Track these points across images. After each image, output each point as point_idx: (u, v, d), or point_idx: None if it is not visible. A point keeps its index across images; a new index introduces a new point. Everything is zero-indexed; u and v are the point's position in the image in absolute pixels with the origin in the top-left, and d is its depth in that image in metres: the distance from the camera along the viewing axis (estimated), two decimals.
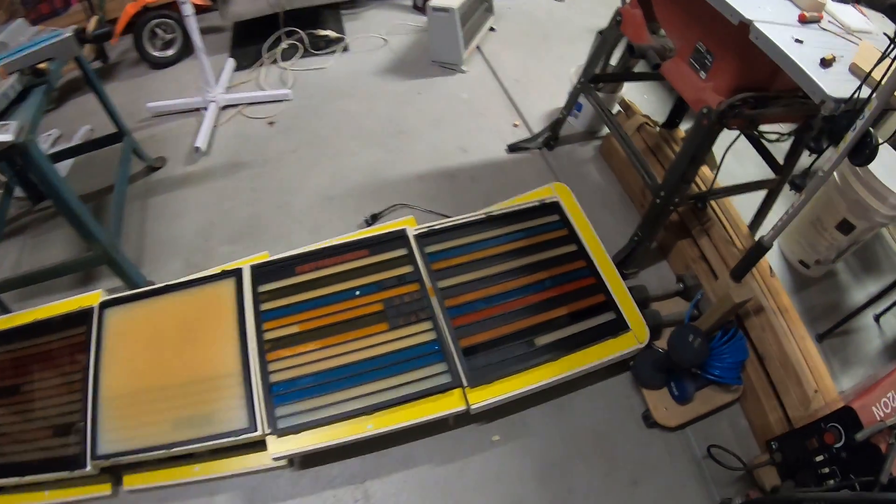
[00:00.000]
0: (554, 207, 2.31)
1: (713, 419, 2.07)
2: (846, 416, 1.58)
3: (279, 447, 1.74)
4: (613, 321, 2.00)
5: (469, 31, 3.55)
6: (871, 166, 1.98)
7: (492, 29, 3.88)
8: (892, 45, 1.31)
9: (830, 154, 1.47)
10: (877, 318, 2.47)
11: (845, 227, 2.28)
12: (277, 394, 1.82)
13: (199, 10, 3.66)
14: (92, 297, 2.07)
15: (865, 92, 1.35)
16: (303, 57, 3.60)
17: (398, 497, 1.85)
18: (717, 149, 2.04)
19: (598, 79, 2.59)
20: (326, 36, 3.65)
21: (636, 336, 1.97)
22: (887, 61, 1.31)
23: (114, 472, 1.85)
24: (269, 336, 1.94)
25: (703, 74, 1.83)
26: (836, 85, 1.38)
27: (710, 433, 2.04)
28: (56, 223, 2.65)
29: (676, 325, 1.91)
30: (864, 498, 1.39)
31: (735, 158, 1.92)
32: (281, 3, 3.55)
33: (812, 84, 1.38)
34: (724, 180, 2.21)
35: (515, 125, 3.16)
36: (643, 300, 2.14)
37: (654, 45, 1.97)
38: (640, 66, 2.72)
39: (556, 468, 1.92)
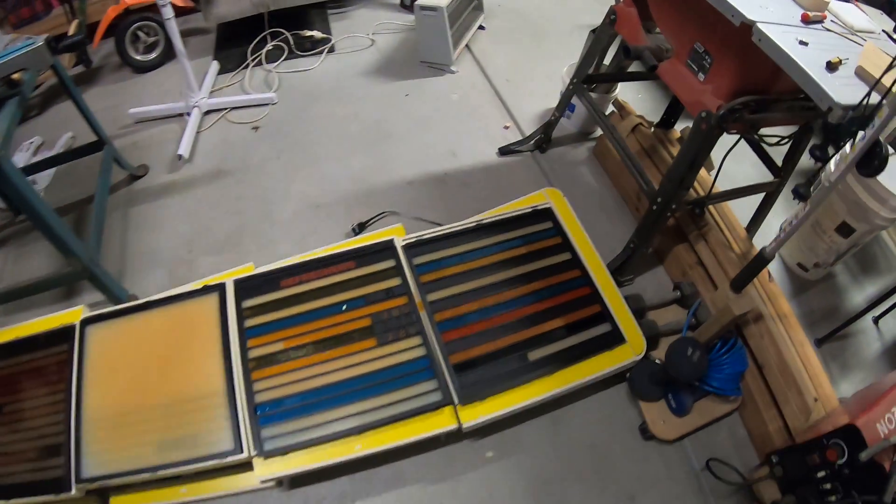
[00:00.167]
0: (547, 214, 2.25)
1: (711, 429, 2.02)
2: (849, 434, 1.54)
3: (266, 469, 1.70)
4: (609, 333, 1.95)
5: (458, 31, 3.47)
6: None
7: (481, 27, 3.80)
8: None
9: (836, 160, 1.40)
10: (876, 321, 2.43)
11: (845, 229, 2.23)
12: (263, 414, 1.77)
13: (182, 11, 3.60)
14: (73, 314, 2.02)
15: (872, 97, 1.29)
16: (288, 58, 3.51)
17: None
18: (716, 150, 1.98)
19: (591, 79, 2.53)
20: (312, 37, 3.57)
21: (632, 348, 1.92)
22: None
23: (101, 494, 1.80)
24: (253, 354, 1.89)
25: (701, 76, 1.76)
26: (843, 90, 1.32)
27: (709, 444, 2.00)
28: (39, 234, 2.55)
29: (674, 341, 1.85)
30: None
31: (732, 159, 1.86)
32: (266, 3, 3.46)
33: (819, 90, 1.32)
34: (721, 182, 2.15)
35: (506, 127, 3.09)
36: (639, 310, 2.08)
37: (650, 45, 1.91)
38: (634, 66, 2.65)
39: (552, 484, 1.87)
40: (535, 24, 3.95)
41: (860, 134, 1.34)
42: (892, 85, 1.24)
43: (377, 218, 2.57)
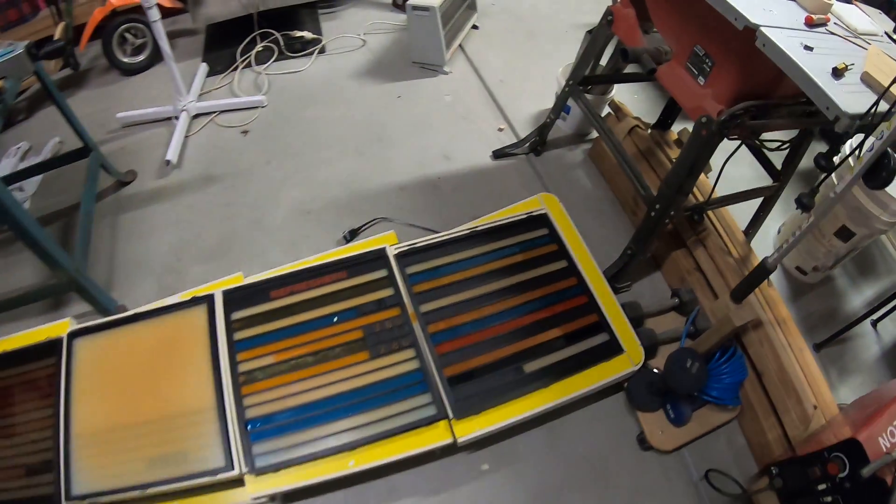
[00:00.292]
0: (542, 220, 2.21)
1: (710, 437, 1.99)
2: (851, 448, 1.51)
3: (258, 487, 1.66)
4: (606, 343, 1.92)
5: (451, 30, 3.41)
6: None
7: (475, 27, 3.74)
8: None
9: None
10: (874, 324, 2.41)
11: (844, 234, 2.20)
12: (254, 430, 1.73)
13: (170, 12, 3.54)
14: (60, 327, 1.97)
15: (880, 105, 1.26)
16: (278, 60, 3.45)
17: None
18: (715, 153, 1.95)
19: (587, 81, 2.48)
20: (302, 37, 3.50)
21: (630, 358, 1.88)
22: None
23: None
24: (243, 368, 1.85)
25: (701, 80, 1.72)
26: (850, 98, 1.28)
27: (707, 452, 1.98)
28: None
29: (673, 352, 1.82)
30: None
31: (728, 159, 1.81)
32: (255, 3, 3.40)
33: (826, 99, 1.28)
34: (718, 184, 2.09)
35: (501, 129, 3.04)
36: (637, 318, 2.04)
37: (649, 47, 1.86)
38: (631, 67, 2.61)
39: (549, 497, 1.84)
40: (529, 24, 3.89)
41: (867, 144, 1.30)
42: None
43: (369, 224, 2.53)
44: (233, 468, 1.65)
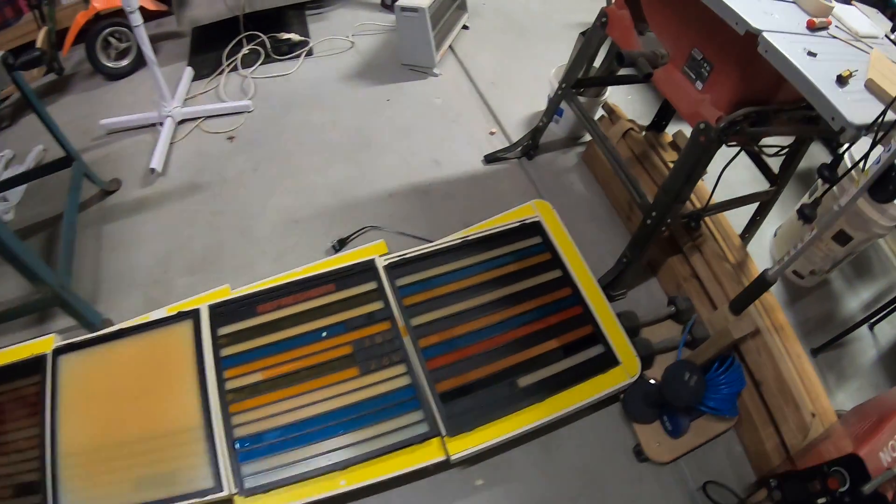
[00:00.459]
0: (535, 228, 2.16)
1: (707, 447, 1.97)
2: (852, 463, 1.48)
3: None
4: (602, 355, 1.88)
5: (441, 31, 3.36)
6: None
7: (465, 27, 3.68)
8: None
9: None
10: (871, 327, 2.39)
11: (842, 238, 2.17)
12: (243, 449, 1.69)
13: (154, 15, 3.48)
14: (45, 343, 1.92)
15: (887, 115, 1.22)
16: (265, 63, 3.38)
17: None
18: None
19: (580, 84, 2.43)
20: (289, 39, 3.43)
21: (626, 370, 1.85)
22: None
23: None
24: (230, 385, 1.80)
25: (699, 85, 1.68)
26: (855, 107, 1.24)
27: (705, 462, 1.95)
28: None
29: (670, 365, 1.78)
30: None
31: (723, 161, 1.77)
32: (241, 4, 3.34)
33: (831, 109, 1.24)
34: (712, 184, 2.06)
35: (492, 133, 2.99)
36: (633, 328, 2.01)
37: (645, 51, 1.80)
38: (625, 69, 2.56)
39: None
40: (521, 24, 3.83)
41: (872, 156, 1.26)
42: None
43: (358, 233, 2.47)
44: (222, 489, 1.61)
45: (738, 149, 1.76)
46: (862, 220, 2.06)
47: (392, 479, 1.67)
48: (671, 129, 2.65)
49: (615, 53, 1.66)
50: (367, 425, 1.72)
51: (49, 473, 1.66)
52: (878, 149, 1.25)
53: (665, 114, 2.58)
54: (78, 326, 2.14)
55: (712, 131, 1.57)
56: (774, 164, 2.11)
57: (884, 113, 1.20)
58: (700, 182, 2.32)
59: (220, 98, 3.16)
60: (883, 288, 2.59)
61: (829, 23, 1.52)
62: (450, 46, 3.51)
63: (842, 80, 1.29)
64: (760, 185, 2.23)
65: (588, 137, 2.93)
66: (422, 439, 1.69)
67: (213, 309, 1.94)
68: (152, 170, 2.69)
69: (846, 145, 1.31)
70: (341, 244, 2.41)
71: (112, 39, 3.21)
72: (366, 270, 2.01)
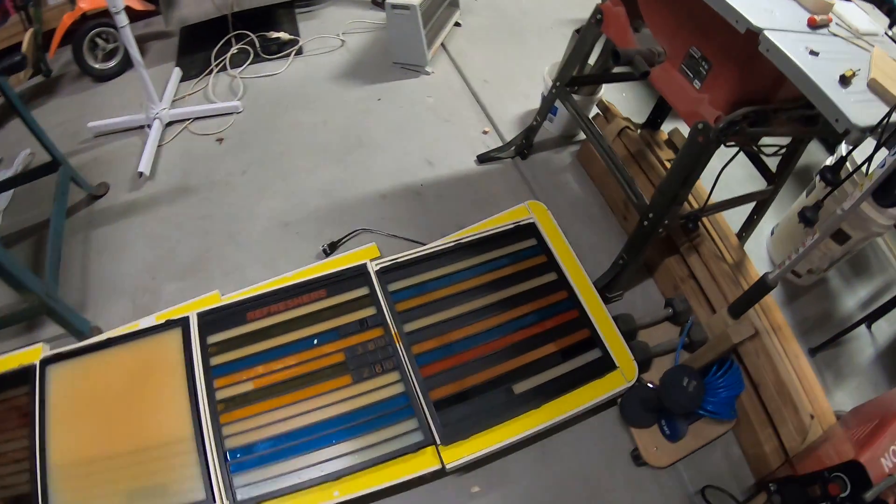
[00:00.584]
0: (530, 230, 2.14)
1: (705, 449, 1.95)
2: (853, 469, 1.46)
3: None
4: (599, 360, 1.86)
5: (432, 29, 3.31)
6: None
7: (457, 24, 3.63)
8: None
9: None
10: (868, 326, 2.37)
11: (840, 237, 2.15)
12: (234, 461, 1.67)
13: (142, 15, 3.41)
14: (32, 353, 1.90)
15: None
16: (254, 62, 3.32)
17: None
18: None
19: (575, 81, 2.39)
20: (279, 38, 3.37)
21: (624, 374, 1.83)
22: None
23: None
24: (221, 395, 1.78)
25: (697, 84, 1.64)
26: (859, 108, 1.21)
27: (703, 465, 1.93)
28: None
29: (669, 371, 1.76)
30: None
31: (719, 159, 1.74)
32: (230, 3, 3.28)
33: (835, 110, 1.21)
34: (708, 184, 2.04)
35: (485, 132, 2.95)
36: (630, 331, 1.98)
37: (642, 49, 1.76)
38: (621, 67, 2.53)
39: None
40: (513, 20, 3.78)
41: (877, 160, 1.23)
42: None
43: (350, 236, 2.43)
44: (214, 502, 1.59)
45: (736, 149, 1.72)
46: (861, 220, 2.03)
47: (386, 488, 1.65)
48: (667, 127, 2.62)
49: (611, 51, 1.62)
50: (361, 435, 1.70)
51: (40, 486, 1.64)
52: (891, 156, 1.22)
53: (660, 111, 2.55)
54: (67, 334, 2.10)
55: (711, 132, 1.54)
56: (771, 162, 2.08)
57: (889, 114, 1.17)
58: (697, 181, 2.29)
59: (209, 99, 3.11)
60: (880, 285, 2.57)
61: (830, 20, 1.49)
62: (442, 44, 3.46)
63: (845, 80, 1.26)
64: (756, 181, 2.21)
65: (582, 136, 2.89)
66: (416, 448, 1.67)
67: (202, 317, 1.91)
68: (140, 173, 2.65)
69: (850, 147, 1.27)
70: (332, 248, 2.37)
71: (99, 40, 3.15)
72: (357, 275, 1.98)
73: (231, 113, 3.00)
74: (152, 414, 1.76)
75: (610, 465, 1.91)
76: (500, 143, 2.85)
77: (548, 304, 1.96)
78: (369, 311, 1.91)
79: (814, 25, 1.45)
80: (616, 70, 2.46)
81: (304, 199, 2.60)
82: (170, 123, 2.95)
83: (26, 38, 2.97)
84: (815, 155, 2.94)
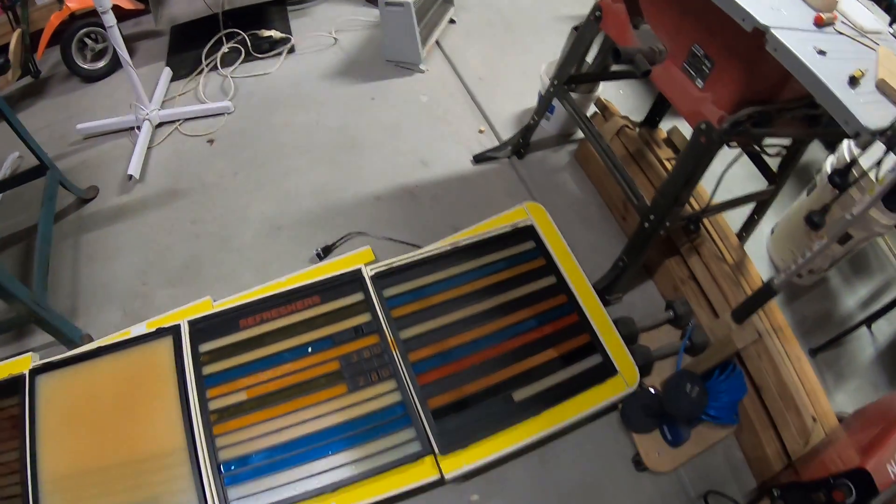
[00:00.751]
0: (528, 232, 2.10)
1: (707, 452, 1.93)
2: (859, 476, 1.45)
3: None
4: (600, 365, 1.82)
5: (427, 26, 3.27)
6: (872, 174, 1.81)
7: (452, 21, 3.58)
8: None
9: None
10: (869, 325, 2.35)
11: (843, 237, 2.11)
12: (229, 473, 1.63)
13: (131, 14, 3.36)
14: (22, 363, 1.85)
15: None
16: (245, 61, 3.27)
17: None
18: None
19: (573, 80, 2.34)
20: (270, 37, 3.32)
21: (625, 379, 1.79)
22: None
23: None
24: (214, 405, 1.73)
25: (699, 83, 1.60)
26: (869, 110, 1.18)
27: (704, 469, 1.92)
28: None
29: (671, 377, 1.73)
30: None
31: (718, 159, 1.70)
32: (220, 2, 3.23)
33: (846, 113, 1.17)
34: (708, 183, 2.01)
35: (481, 131, 2.91)
36: (631, 335, 1.94)
37: (643, 47, 1.72)
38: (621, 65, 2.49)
39: None
40: (509, 17, 3.73)
41: (887, 163, 1.20)
42: None
43: (343, 240, 2.40)
44: None
45: (738, 150, 1.69)
46: (864, 220, 1.98)
47: (384, 500, 1.62)
48: (665, 125, 2.58)
49: (612, 49, 1.57)
50: (357, 445, 1.66)
51: (31, 499, 1.60)
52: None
53: (659, 109, 2.51)
54: (57, 342, 2.07)
55: (714, 132, 1.51)
56: (771, 161, 2.05)
57: None
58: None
59: (200, 99, 3.06)
60: (880, 284, 2.56)
61: (836, 18, 1.45)
62: (436, 41, 3.41)
63: (854, 81, 1.23)
64: (755, 180, 2.18)
65: (580, 134, 2.85)
66: (414, 458, 1.63)
67: (194, 324, 1.87)
68: (130, 176, 2.60)
69: (859, 151, 1.24)
70: (326, 252, 2.33)
71: (88, 40, 3.10)
72: (352, 281, 1.94)
73: (222, 113, 2.96)
74: (144, 425, 1.72)
75: (610, 472, 1.89)
76: (497, 143, 2.82)
77: (547, 309, 1.92)
78: (364, 318, 1.87)
79: (820, 24, 1.41)
80: (615, 68, 2.43)
81: (296, 202, 2.56)
82: (160, 125, 2.91)
83: (13, 39, 2.91)
84: (814, 153, 2.91)
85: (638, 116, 2.66)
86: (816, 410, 1.81)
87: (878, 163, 1.22)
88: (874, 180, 1.29)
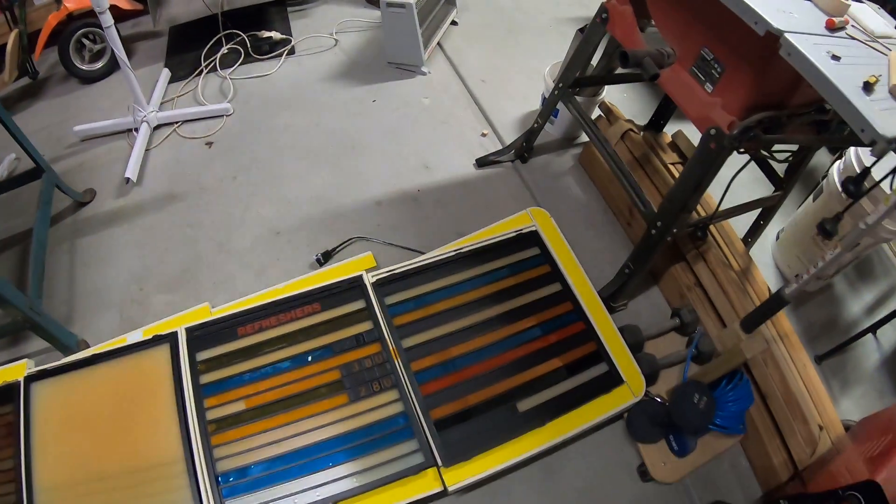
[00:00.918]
0: (533, 238, 2.07)
1: (713, 461, 1.89)
2: (869, 489, 1.42)
3: None
4: (606, 374, 1.79)
5: (429, 28, 3.23)
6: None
7: (454, 23, 3.55)
8: None
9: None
10: (874, 332, 2.31)
11: None
12: (226, 485, 1.60)
13: (130, 15, 3.33)
14: (16, 370, 1.83)
15: None
16: (244, 63, 3.23)
17: None
18: None
19: (578, 83, 2.31)
20: (270, 38, 3.29)
21: (631, 389, 1.76)
22: None
23: None
24: (212, 415, 1.71)
25: (709, 87, 1.57)
26: (885, 118, 1.15)
27: (710, 478, 1.89)
28: None
29: (678, 388, 1.70)
30: None
31: (725, 164, 1.67)
32: (220, 2, 3.20)
33: (862, 121, 1.14)
34: (713, 188, 1.97)
35: (484, 134, 2.88)
36: (637, 343, 1.91)
37: (651, 50, 1.68)
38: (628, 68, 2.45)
39: None
40: (512, 19, 3.70)
41: None
42: None
43: (344, 245, 2.36)
44: None
45: (747, 156, 1.66)
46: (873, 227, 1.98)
47: None
48: (670, 128, 2.55)
49: (619, 53, 1.54)
50: (359, 457, 1.63)
51: None
52: None
53: (663, 113, 2.49)
54: (52, 349, 2.03)
55: (725, 138, 1.47)
56: (778, 165, 2.02)
57: None
58: None
59: (198, 101, 3.02)
60: (885, 290, 2.54)
61: (847, 22, 1.42)
62: (438, 43, 3.38)
63: (868, 87, 1.19)
64: (760, 184, 2.16)
65: (584, 138, 2.82)
66: (417, 470, 1.61)
67: (191, 332, 1.84)
68: (127, 179, 2.56)
69: (874, 160, 1.21)
70: (326, 257, 2.29)
71: (86, 41, 3.07)
72: (353, 287, 1.91)
73: (221, 115, 2.92)
74: (141, 434, 1.69)
75: (615, 482, 1.86)
76: (500, 146, 2.78)
77: (552, 317, 1.89)
78: (366, 326, 1.84)
79: (832, 28, 1.38)
80: (621, 71, 2.39)
81: (296, 206, 2.53)
82: (158, 127, 2.87)
83: (11, 39, 2.88)
84: (818, 157, 2.88)
85: (642, 120, 2.64)
86: (823, 419, 1.80)
87: (893, 171, 1.19)
88: (889, 190, 1.26)
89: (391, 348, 1.78)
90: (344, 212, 2.50)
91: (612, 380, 1.77)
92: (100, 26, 2.63)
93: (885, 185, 1.48)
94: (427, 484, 1.60)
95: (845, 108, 1.16)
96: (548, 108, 2.44)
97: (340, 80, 3.17)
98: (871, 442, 1.60)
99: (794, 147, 1.83)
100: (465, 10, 3.69)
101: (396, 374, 1.74)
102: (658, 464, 1.82)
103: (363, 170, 2.69)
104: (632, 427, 1.86)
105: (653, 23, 1.79)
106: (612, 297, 2.10)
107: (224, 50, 3.26)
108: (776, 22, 1.24)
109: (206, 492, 1.56)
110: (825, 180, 2.22)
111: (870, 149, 1.16)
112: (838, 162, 2.17)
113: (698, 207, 2.16)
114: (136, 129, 2.78)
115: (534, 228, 2.08)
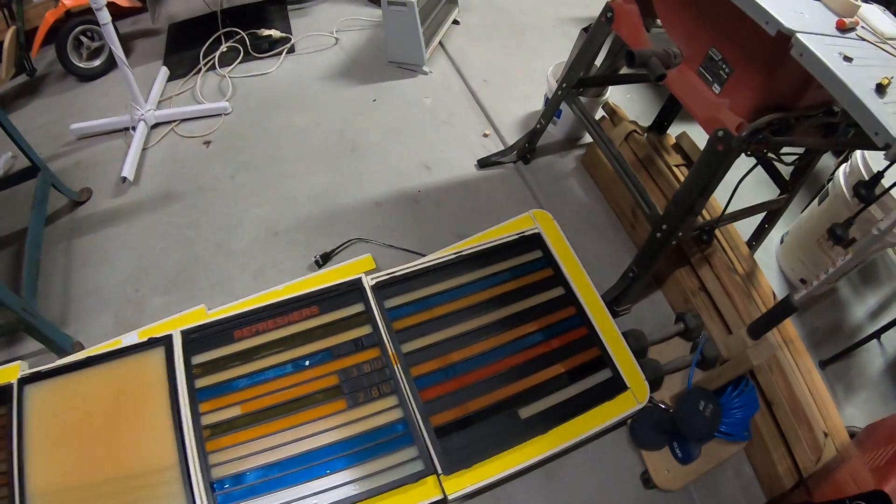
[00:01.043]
0: (535, 241, 2.03)
1: (716, 468, 1.87)
2: (877, 499, 1.40)
3: None
4: (609, 380, 1.76)
5: (430, 27, 3.21)
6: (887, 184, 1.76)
7: (456, 22, 3.53)
8: None
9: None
10: (878, 337, 2.29)
11: (849, 242, 2.05)
12: (221, 492, 1.56)
13: (128, 12, 3.30)
14: (10, 372, 1.79)
15: None
16: (244, 61, 3.20)
17: None
18: None
19: (582, 83, 2.28)
20: (270, 36, 3.26)
21: (635, 395, 1.73)
22: None
23: None
24: (207, 420, 1.67)
25: (716, 88, 1.54)
26: None
27: (714, 485, 1.87)
28: None
29: (683, 395, 1.67)
30: None
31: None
32: (219, 0, 3.17)
33: (876, 123, 1.11)
34: (718, 190, 1.95)
35: (486, 135, 2.85)
36: (641, 349, 1.88)
37: (657, 50, 1.65)
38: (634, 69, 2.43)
39: None
40: (514, 18, 3.67)
41: None
42: None
43: (343, 246, 2.33)
44: None
45: (754, 159, 1.63)
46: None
47: None
48: (674, 130, 2.53)
49: (626, 52, 1.51)
50: (357, 464, 1.60)
51: None
52: None
53: (667, 114, 2.46)
54: (46, 351, 2.01)
55: (733, 140, 1.44)
56: (784, 168, 1.99)
57: None
58: None
59: (197, 99, 3.00)
60: (889, 294, 2.52)
61: (857, 23, 1.39)
62: (440, 43, 3.36)
63: (881, 89, 1.17)
64: (764, 186, 2.14)
65: (587, 139, 2.79)
66: (416, 478, 1.57)
67: (187, 335, 1.80)
68: (124, 178, 2.53)
69: (887, 163, 1.18)
70: (325, 259, 2.26)
71: (84, 38, 3.04)
72: (352, 290, 1.88)
73: (219, 114, 2.90)
74: (135, 440, 1.66)
75: (619, 489, 1.84)
76: (502, 147, 2.76)
77: (555, 322, 1.86)
78: (365, 330, 1.81)
79: (843, 29, 1.35)
80: (626, 71, 2.36)
81: (295, 207, 2.50)
82: (155, 125, 2.84)
83: (8, 36, 2.86)
84: (823, 159, 2.85)
85: (645, 121, 2.61)
86: (828, 425, 1.78)
87: None
88: None
89: (390, 353, 1.75)
90: (343, 212, 2.47)
91: (615, 386, 1.74)
92: (97, 23, 2.61)
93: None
94: (427, 492, 1.56)
95: (859, 111, 1.13)
96: (551, 109, 2.41)
97: (341, 79, 3.14)
98: (878, 450, 1.58)
99: (801, 149, 1.80)
100: (468, 10, 3.66)
101: (396, 380, 1.71)
102: (661, 471, 1.79)
103: (363, 170, 2.66)
104: (635, 434, 1.83)
105: (658, 22, 1.77)
106: (616, 302, 2.07)
107: (223, 48, 3.24)
108: (788, 22, 1.22)
109: (201, 499, 1.53)
110: (831, 183, 2.19)
111: (882, 152, 1.14)
112: (844, 165, 2.14)
113: (703, 211, 2.13)
114: (134, 128, 2.75)
115: (536, 231, 2.04)
